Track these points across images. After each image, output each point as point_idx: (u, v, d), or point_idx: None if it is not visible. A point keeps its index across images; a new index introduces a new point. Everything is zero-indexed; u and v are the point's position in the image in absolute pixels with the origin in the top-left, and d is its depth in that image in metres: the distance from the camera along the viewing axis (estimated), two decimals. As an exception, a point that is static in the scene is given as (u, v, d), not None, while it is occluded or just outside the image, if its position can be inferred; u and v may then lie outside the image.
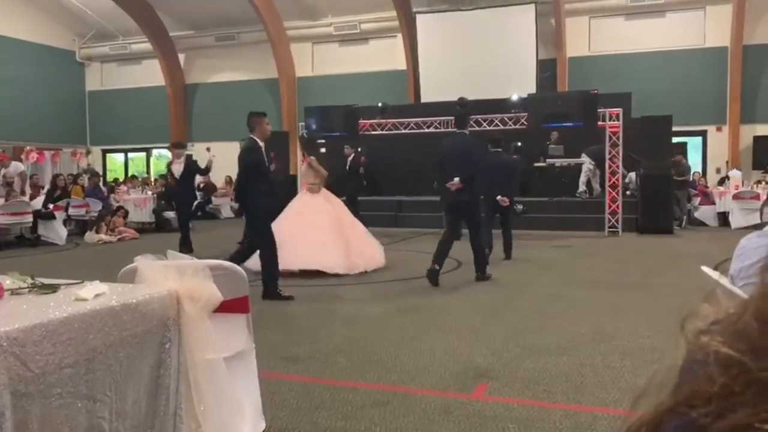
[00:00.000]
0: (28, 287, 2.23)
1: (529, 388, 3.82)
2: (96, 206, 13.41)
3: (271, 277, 6.49)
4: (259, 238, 6.66)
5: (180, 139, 20.81)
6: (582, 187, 14.11)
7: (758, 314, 0.44)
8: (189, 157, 11.02)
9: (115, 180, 19.14)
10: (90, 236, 12.33)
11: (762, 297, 0.45)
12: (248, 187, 6.60)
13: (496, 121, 13.03)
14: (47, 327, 1.87)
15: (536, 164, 14.56)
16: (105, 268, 7.57)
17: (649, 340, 4.71)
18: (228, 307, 2.51)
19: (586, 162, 13.87)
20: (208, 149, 11.64)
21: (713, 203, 14.31)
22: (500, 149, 9.09)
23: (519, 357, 4.42)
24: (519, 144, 14.10)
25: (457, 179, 7.12)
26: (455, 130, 7.81)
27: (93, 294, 2.13)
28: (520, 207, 12.75)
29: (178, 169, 10.54)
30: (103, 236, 12.29)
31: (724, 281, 2.36)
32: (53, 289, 2.23)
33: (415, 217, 13.86)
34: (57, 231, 12.05)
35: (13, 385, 1.74)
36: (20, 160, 16.61)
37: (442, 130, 13.77)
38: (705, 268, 2.43)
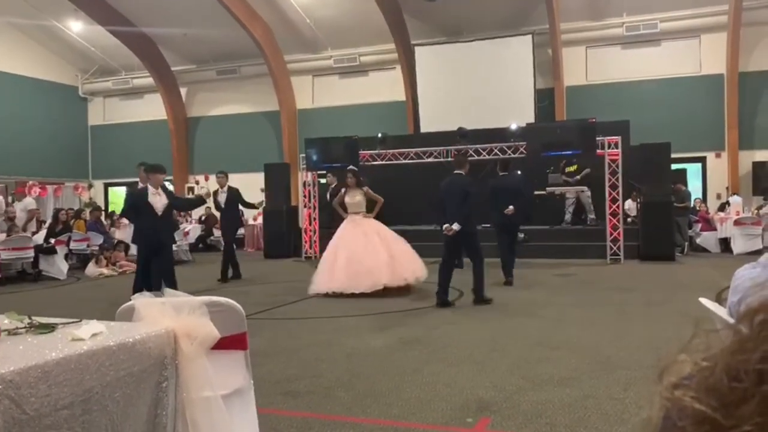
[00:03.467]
0: (25, 327, 2.22)
1: (531, 421, 3.78)
2: (97, 240, 13.43)
3: (483, 286, 7.85)
4: (480, 254, 7.83)
5: (184, 172, 21.06)
6: (567, 217, 14.24)
7: (728, 370, 0.44)
8: (231, 189, 11.07)
9: (113, 212, 19.08)
10: (91, 270, 12.33)
11: (732, 351, 0.45)
12: (471, 212, 7.74)
13: (496, 151, 13.11)
14: (43, 368, 1.86)
15: (537, 192, 14.59)
16: (105, 304, 7.57)
17: (653, 371, 4.65)
18: (226, 344, 2.50)
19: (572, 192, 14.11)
20: (262, 190, 11.93)
21: (714, 229, 14.30)
22: (507, 173, 10.20)
23: (521, 389, 4.38)
24: (518, 172, 14.14)
25: (512, 207, 9.25)
26: (501, 172, 9.87)
27: (90, 334, 2.12)
28: (521, 236, 12.80)
29: (160, 201, 8.30)
30: (104, 270, 12.29)
31: (722, 312, 2.35)
32: (50, 329, 2.23)
33: (416, 246, 13.82)
34: (58, 265, 12.06)
35: (8, 429, 1.73)
36: (24, 195, 16.72)
37: (442, 159, 13.87)
38: (703, 300, 2.43)
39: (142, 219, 8.20)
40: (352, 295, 8.49)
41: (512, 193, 9.66)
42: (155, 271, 8.30)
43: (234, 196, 11.08)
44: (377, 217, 9.49)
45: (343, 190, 9.64)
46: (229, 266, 10.97)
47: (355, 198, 9.32)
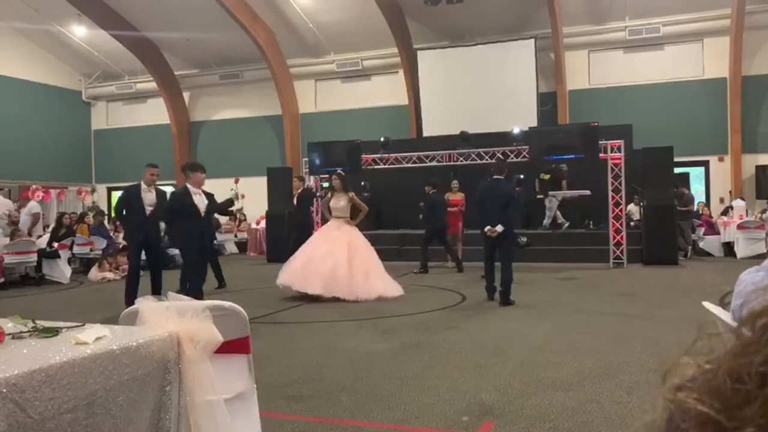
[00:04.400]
0: (29, 331, 2.23)
1: (535, 425, 3.77)
2: (100, 244, 13.45)
3: (510, 288, 8.11)
4: (511, 257, 8.22)
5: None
6: (561, 220, 14.35)
7: (731, 372, 0.44)
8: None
9: (108, 213, 19.01)
10: (94, 274, 12.34)
11: (735, 354, 0.45)
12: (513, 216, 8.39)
13: (498, 154, 13.11)
14: (47, 372, 1.87)
15: (538, 196, 14.61)
16: (108, 308, 7.58)
17: (656, 374, 4.64)
18: (228, 348, 2.51)
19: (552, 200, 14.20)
20: (236, 180, 11.27)
21: (718, 233, 14.27)
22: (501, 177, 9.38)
23: (524, 393, 4.37)
24: (521, 176, 14.17)
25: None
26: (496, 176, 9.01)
27: (93, 337, 2.13)
28: (523, 239, 12.86)
29: (202, 201, 8.44)
30: (107, 274, 12.30)
31: (726, 316, 2.35)
32: (54, 332, 2.23)
33: (418, 250, 13.84)
34: (61, 269, 12.08)
35: (12, 432, 1.73)
36: (28, 199, 16.77)
37: (444, 163, 13.89)
38: (707, 304, 2.42)
39: (184, 222, 8.10)
40: (354, 301, 8.51)
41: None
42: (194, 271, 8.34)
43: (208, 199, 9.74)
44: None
45: (329, 193, 9.62)
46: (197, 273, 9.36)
47: (339, 203, 9.24)
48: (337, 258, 8.79)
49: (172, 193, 8.66)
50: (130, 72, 21.29)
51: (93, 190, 22.26)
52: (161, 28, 18.92)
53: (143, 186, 8.44)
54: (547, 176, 14.08)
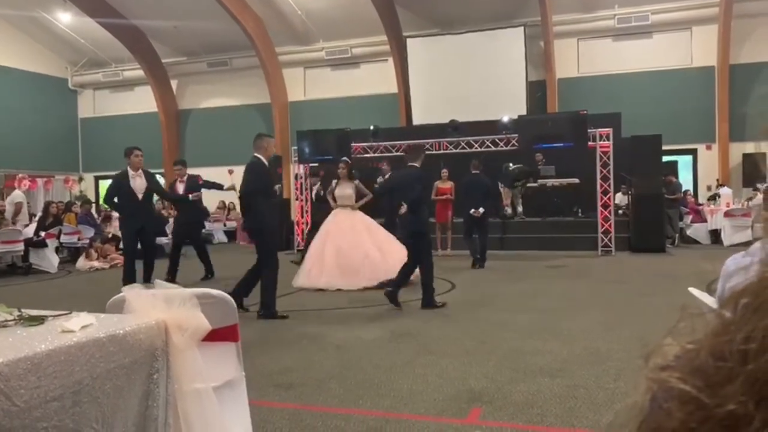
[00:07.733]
0: (14, 319, 2.21)
1: (522, 411, 3.80)
2: (88, 233, 13.36)
3: (486, 255, 10.81)
4: (487, 231, 11.18)
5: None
6: (507, 210, 14.48)
7: (713, 351, 0.44)
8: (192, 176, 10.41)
9: (95, 202, 18.82)
10: (82, 263, 12.27)
11: (717, 333, 0.45)
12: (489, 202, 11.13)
13: (488, 143, 13.12)
14: (33, 360, 1.85)
15: (529, 184, 14.64)
16: (95, 297, 7.53)
17: (641, 360, 4.68)
18: (217, 335, 2.50)
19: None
20: (230, 171, 11.57)
21: (705, 221, 14.38)
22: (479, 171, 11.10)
23: (513, 380, 4.40)
24: (511, 164, 14.18)
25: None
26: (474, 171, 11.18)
27: (80, 326, 2.11)
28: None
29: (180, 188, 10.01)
30: (94, 263, 12.23)
31: (712, 301, 2.36)
32: (40, 321, 2.22)
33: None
34: (49, 259, 12.00)
35: (-3, 420, 1.72)
36: (13, 188, 16.61)
37: (434, 152, 13.87)
38: (692, 290, 2.44)
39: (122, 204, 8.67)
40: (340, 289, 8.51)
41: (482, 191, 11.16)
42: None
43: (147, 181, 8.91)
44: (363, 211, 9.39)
45: (334, 182, 9.58)
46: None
47: (345, 191, 9.21)
48: (365, 244, 8.74)
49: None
50: (117, 59, 21.08)
51: (80, 179, 22.10)
52: (148, 16, 18.71)
53: (130, 172, 8.45)
54: (514, 168, 14.16)
